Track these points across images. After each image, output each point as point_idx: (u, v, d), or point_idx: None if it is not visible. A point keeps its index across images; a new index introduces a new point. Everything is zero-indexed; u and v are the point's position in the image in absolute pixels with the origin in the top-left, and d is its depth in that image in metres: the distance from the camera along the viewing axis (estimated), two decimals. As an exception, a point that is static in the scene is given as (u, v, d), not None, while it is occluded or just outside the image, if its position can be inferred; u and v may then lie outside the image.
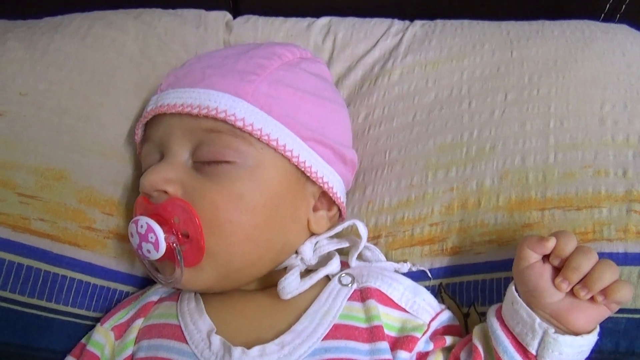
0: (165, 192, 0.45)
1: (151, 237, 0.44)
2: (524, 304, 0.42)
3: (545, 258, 0.43)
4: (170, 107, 0.47)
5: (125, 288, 0.53)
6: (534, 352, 0.40)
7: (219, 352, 0.43)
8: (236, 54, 0.51)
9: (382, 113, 0.62)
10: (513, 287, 0.43)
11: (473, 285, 0.52)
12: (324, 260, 0.51)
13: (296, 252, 0.51)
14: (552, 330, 0.40)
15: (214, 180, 0.46)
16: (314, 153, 0.50)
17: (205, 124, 0.46)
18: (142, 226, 0.44)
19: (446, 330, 0.48)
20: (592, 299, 0.40)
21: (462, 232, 0.53)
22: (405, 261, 0.54)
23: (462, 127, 0.57)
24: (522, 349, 0.41)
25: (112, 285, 0.52)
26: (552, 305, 0.41)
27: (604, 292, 0.40)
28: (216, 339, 0.44)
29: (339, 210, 0.54)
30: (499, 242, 0.51)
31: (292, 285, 0.46)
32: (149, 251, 0.44)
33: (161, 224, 0.44)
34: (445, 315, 0.49)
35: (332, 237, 0.53)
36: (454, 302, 0.52)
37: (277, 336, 0.43)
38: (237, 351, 0.42)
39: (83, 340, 0.48)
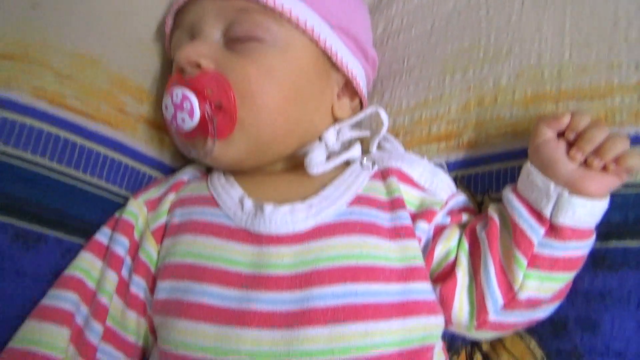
0: (199, 66, 0.47)
1: (186, 105, 0.46)
2: (539, 173, 0.44)
3: (560, 137, 0.45)
4: None
5: (153, 173, 0.55)
6: (548, 215, 0.43)
7: (251, 212, 0.45)
8: None
9: (401, 23, 0.64)
10: (528, 163, 0.46)
11: (487, 175, 0.54)
12: (346, 148, 0.54)
13: (319, 140, 0.53)
14: (566, 192, 0.42)
15: (245, 55, 0.48)
16: (339, 41, 0.52)
17: (238, 3, 0.48)
18: (177, 95, 0.46)
19: (462, 210, 0.51)
20: (604, 169, 0.43)
21: (478, 127, 0.55)
22: (422, 157, 0.56)
23: (479, 32, 0.59)
24: (536, 214, 0.43)
25: (142, 168, 0.54)
26: (567, 174, 0.43)
27: (616, 160, 0.42)
28: (248, 201, 0.46)
29: (361, 102, 0.56)
30: (514, 133, 0.53)
31: (318, 158, 0.48)
32: (183, 120, 0.46)
33: (195, 94, 0.46)
34: (462, 197, 0.51)
35: (353, 127, 0.55)
36: (469, 191, 0.55)
37: (304, 200, 0.46)
38: (268, 207, 0.45)
39: (116, 214, 0.50)
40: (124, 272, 0.47)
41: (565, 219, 0.42)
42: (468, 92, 0.56)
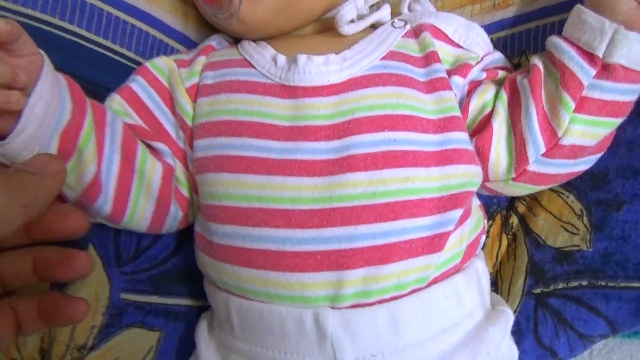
0: None
1: (210, -39, 0.44)
2: (593, 12, 0.41)
3: None
4: None
5: (178, 46, 0.54)
6: (600, 55, 0.40)
7: (284, 66, 0.45)
8: None
9: None
10: (578, 5, 0.43)
11: (525, 34, 0.52)
12: (374, 11, 0.52)
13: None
14: (622, 28, 0.39)
15: None
16: None
17: None
18: None
19: (499, 68, 0.49)
20: None
21: (516, -16, 0.52)
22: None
23: None
24: (588, 55, 0.41)
25: (169, 41, 0.53)
26: (625, 12, 0.40)
27: None
28: (282, 57, 0.45)
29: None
30: (555, -14, 0.50)
31: (348, 14, 0.47)
32: (209, -25, 0.45)
33: None
34: (499, 55, 0.50)
35: (383, -10, 0.53)
36: (505, 54, 0.53)
37: (338, 53, 0.45)
38: (302, 58, 0.44)
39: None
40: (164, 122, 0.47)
41: (621, 57, 0.40)
42: (505, -53, 0.53)
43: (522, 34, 0.52)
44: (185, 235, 0.51)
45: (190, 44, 0.55)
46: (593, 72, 0.41)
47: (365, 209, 0.40)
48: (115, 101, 0.46)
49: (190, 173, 0.47)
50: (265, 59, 0.46)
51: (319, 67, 0.43)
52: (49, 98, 0.37)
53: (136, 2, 0.51)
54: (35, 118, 0.36)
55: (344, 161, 0.41)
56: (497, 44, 0.53)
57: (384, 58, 0.45)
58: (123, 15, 0.50)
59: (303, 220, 0.40)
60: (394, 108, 0.42)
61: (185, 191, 0.48)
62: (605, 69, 0.40)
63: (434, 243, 0.40)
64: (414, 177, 0.41)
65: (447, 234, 0.41)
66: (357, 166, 0.40)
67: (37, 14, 0.46)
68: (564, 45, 0.42)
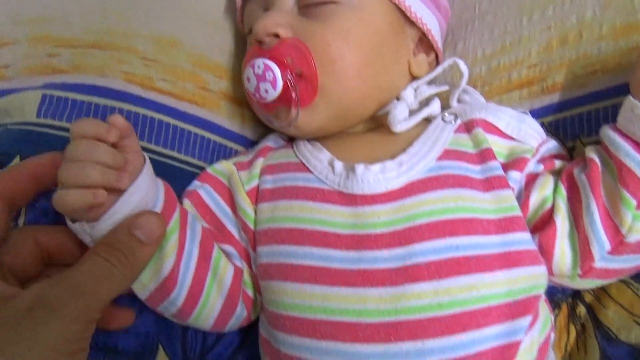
0: (277, 35, 0.48)
1: (269, 76, 0.47)
2: None
3: None
4: None
5: (237, 147, 0.58)
6: None
7: (342, 173, 0.46)
8: None
9: (467, -33, 0.61)
10: (630, 97, 0.43)
11: (577, 118, 0.52)
12: (424, 105, 0.53)
13: (397, 99, 0.53)
14: None
15: (320, 20, 0.48)
16: None
17: None
18: (258, 67, 0.47)
19: (554, 157, 0.49)
20: None
21: (563, 68, 0.52)
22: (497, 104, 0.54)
23: (556, -34, 0.55)
24: None
25: (228, 143, 0.57)
26: None
27: None
28: (338, 164, 0.47)
29: (436, 56, 0.55)
30: (604, 70, 0.50)
31: (401, 115, 0.48)
32: (266, 91, 0.47)
33: (276, 64, 0.47)
34: (553, 143, 0.50)
35: (430, 83, 0.54)
36: (558, 138, 0.53)
37: (394, 157, 0.46)
38: (360, 167, 0.45)
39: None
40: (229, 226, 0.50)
41: None
42: (549, 31, 0.54)
43: (574, 118, 0.52)
44: (248, 331, 0.52)
45: (247, 143, 0.58)
46: None
47: (432, 321, 0.40)
48: (187, 206, 0.49)
49: (254, 274, 0.49)
50: (322, 163, 0.48)
51: (376, 175, 0.45)
52: (145, 191, 0.41)
53: (197, 111, 0.55)
54: (128, 205, 0.39)
55: (406, 271, 0.41)
56: (549, 128, 0.53)
57: (439, 158, 0.46)
58: (187, 126, 0.54)
59: (370, 335, 0.40)
60: (454, 212, 0.43)
61: (250, 292, 0.49)
62: None
63: (504, 354, 0.40)
64: (479, 285, 0.41)
65: (518, 343, 0.41)
66: (420, 276, 0.41)
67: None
68: (619, 140, 0.42)
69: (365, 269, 0.42)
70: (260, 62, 0.47)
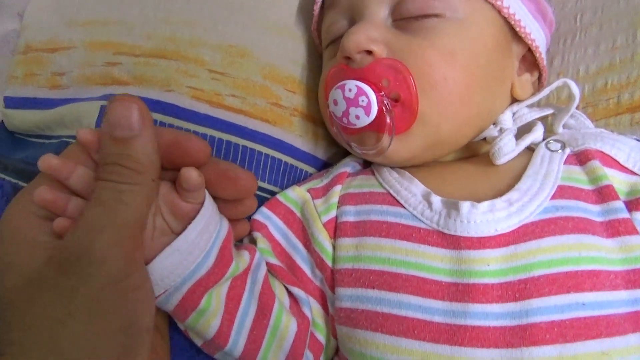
0: (369, 52, 0.42)
1: (362, 101, 0.41)
2: None
3: None
4: None
5: (309, 169, 0.52)
6: None
7: (442, 211, 0.40)
8: None
9: (567, -25, 0.55)
10: None
11: None
12: (523, 132, 0.47)
13: (494, 124, 0.47)
14: None
15: (421, 36, 0.42)
16: (521, 4, 0.44)
17: None
18: (350, 90, 0.41)
19: (683, 195, 0.43)
20: None
21: (685, 90, 0.46)
22: (611, 132, 0.48)
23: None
24: None
25: (299, 164, 0.51)
26: None
27: None
28: (437, 199, 0.41)
29: (539, 76, 0.49)
30: None
31: (508, 146, 0.43)
32: (357, 117, 0.42)
33: (371, 87, 0.41)
34: (679, 179, 0.44)
35: (531, 106, 0.48)
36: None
37: (500, 195, 0.40)
38: (465, 205, 0.39)
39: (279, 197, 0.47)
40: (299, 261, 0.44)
41: None
42: (668, 48, 0.47)
43: (699, 149, 0.46)
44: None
45: (319, 164, 0.53)
46: None
47: None
48: (260, 239, 0.44)
49: (330, 317, 0.44)
50: (415, 197, 0.42)
51: (484, 215, 0.39)
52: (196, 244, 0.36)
53: (269, 131, 0.49)
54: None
55: (525, 331, 0.36)
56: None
57: (553, 197, 0.40)
58: (257, 146, 0.48)
59: None
60: (577, 263, 0.37)
61: (321, 337, 0.44)
62: None
63: None
64: (611, 352, 0.35)
65: None
66: (542, 338, 0.35)
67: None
68: None
69: (472, 326, 0.37)
70: (353, 85, 0.41)
